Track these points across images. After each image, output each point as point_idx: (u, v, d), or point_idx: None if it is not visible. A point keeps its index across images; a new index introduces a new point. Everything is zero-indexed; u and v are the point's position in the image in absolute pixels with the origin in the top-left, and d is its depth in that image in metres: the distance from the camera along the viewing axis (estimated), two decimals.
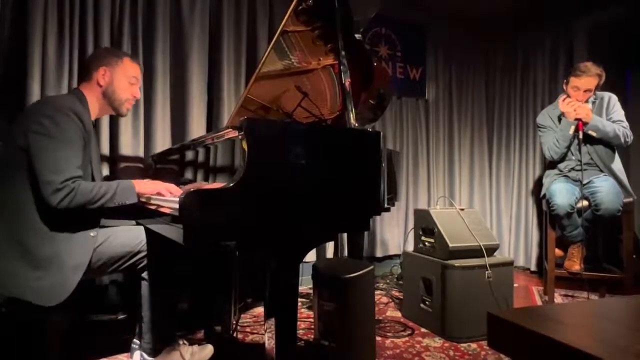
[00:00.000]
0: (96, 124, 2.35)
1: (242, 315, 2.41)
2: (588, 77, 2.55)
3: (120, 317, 2.34)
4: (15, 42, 2.18)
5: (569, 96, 2.64)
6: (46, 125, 1.42)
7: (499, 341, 0.58)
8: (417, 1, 3.80)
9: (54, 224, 1.44)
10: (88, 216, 1.50)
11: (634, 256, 2.51)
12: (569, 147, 2.68)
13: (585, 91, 2.59)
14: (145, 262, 1.65)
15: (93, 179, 1.61)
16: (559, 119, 2.72)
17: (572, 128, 2.58)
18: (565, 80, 2.70)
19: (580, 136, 2.54)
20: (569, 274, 2.60)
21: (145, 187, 1.58)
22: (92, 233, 1.52)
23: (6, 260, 1.38)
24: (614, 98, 2.69)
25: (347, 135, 1.43)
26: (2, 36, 2.16)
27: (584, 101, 2.60)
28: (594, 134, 2.56)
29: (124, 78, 1.68)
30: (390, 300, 2.84)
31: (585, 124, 2.54)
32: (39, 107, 1.50)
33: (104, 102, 1.68)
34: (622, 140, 2.56)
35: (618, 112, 2.65)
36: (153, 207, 1.53)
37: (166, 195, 1.56)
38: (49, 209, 1.40)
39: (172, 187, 1.61)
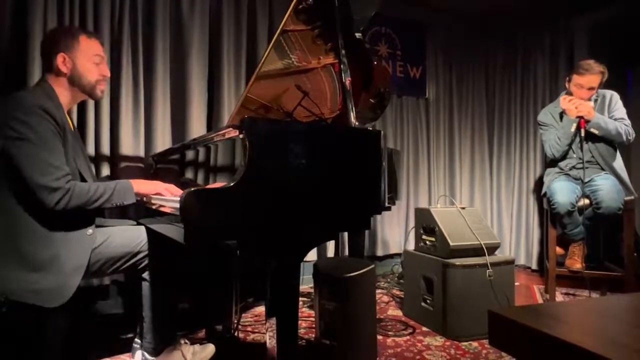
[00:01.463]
0: (96, 123, 2.35)
1: (243, 315, 2.41)
2: (591, 75, 2.54)
3: (121, 316, 2.34)
4: (15, 42, 2.18)
5: (571, 94, 2.64)
6: (19, 130, 1.35)
7: (500, 339, 0.58)
8: (417, 0, 3.80)
9: (49, 226, 1.41)
10: (82, 214, 1.48)
11: (635, 254, 2.51)
12: (570, 145, 2.67)
13: (588, 89, 2.57)
14: (145, 262, 1.64)
15: (81, 176, 1.55)
16: (561, 117, 2.71)
17: (574, 126, 2.57)
18: (567, 78, 2.69)
19: (582, 134, 2.53)
20: (570, 273, 2.59)
21: (146, 187, 1.57)
22: (89, 231, 1.50)
23: (5, 266, 1.37)
24: (616, 96, 2.68)
25: (347, 134, 1.43)
26: (2, 36, 2.16)
27: (587, 99, 2.59)
28: (596, 131, 2.55)
29: (87, 60, 1.55)
30: (391, 299, 2.84)
31: (587, 121, 2.53)
32: (7, 109, 1.39)
33: (74, 89, 1.56)
34: (624, 138, 2.56)
35: (620, 110, 2.64)
36: (154, 207, 1.53)
37: (166, 195, 1.56)
38: (44, 212, 1.38)
39: (171, 187, 1.61)
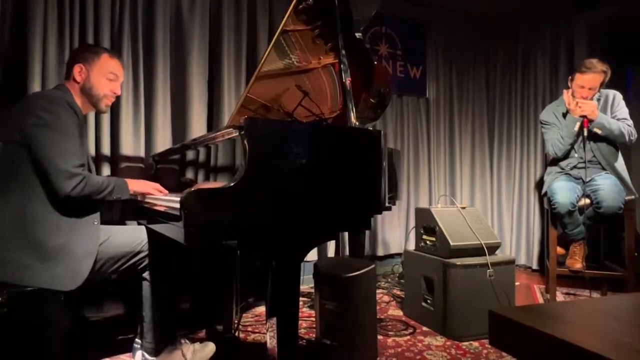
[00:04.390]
0: (97, 124, 2.35)
1: (244, 315, 2.41)
2: (593, 73, 2.52)
3: (122, 317, 2.34)
4: (15, 43, 2.18)
5: (573, 92, 2.62)
6: (43, 117, 1.43)
7: (501, 339, 0.58)
8: (418, 0, 3.80)
9: (58, 215, 1.47)
10: (87, 205, 1.54)
11: (636, 254, 2.50)
12: (573, 145, 2.66)
13: (590, 88, 2.55)
14: (146, 262, 1.66)
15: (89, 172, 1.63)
16: (564, 116, 2.70)
17: (577, 125, 2.56)
18: (570, 77, 2.67)
19: (585, 133, 2.51)
20: (570, 272, 2.59)
21: (138, 186, 1.66)
22: (94, 221, 1.56)
23: (18, 253, 1.40)
24: (619, 96, 2.67)
25: (347, 134, 1.43)
26: (2, 36, 2.16)
27: (589, 98, 2.58)
28: (599, 131, 2.54)
29: (101, 74, 1.66)
30: (392, 299, 2.84)
31: (590, 121, 2.52)
32: (31, 102, 1.50)
33: (84, 98, 1.66)
34: (627, 138, 2.55)
35: (622, 110, 2.63)
36: (146, 206, 1.60)
37: (156, 194, 1.66)
38: (54, 201, 1.43)
39: (158, 186, 1.72)
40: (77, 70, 1.63)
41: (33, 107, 1.46)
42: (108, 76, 1.68)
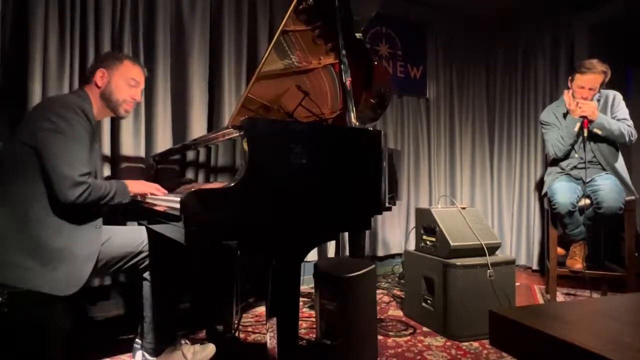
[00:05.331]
0: (98, 124, 2.35)
1: (244, 315, 2.41)
2: (593, 74, 2.52)
3: (122, 317, 2.34)
4: (16, 43, 2.18)
5: (573, 93, 2.62)
6: (56, 122, 1.44)
7: (501, 340, 0.58)
8: (418, 0, 3.80)
9: (61, 218, 1.47)
10: (90, 209, 1.53)
11: (636, 254, 2.50)
12: (573, 145, 2.66)
13: (590, 89, 2.55)
14: (146, 262, 1.66)
15: (96, 178, 1.63)
16: (564, 116, 2.70)
17: (577, 125, 2.56)
18: (570, 77, 2.67)
19: (586, 134, 2.51)
20: (570, 273, 2.59)
21: (138, 187, 1.66)
22: (97, 225, 1.56)
23: (19, 254, 1.40)
24: (619, 96, 2.67)
25: (348, 134, 1.43)
26: (3, 37, 2.16)
27: (590, 99, 2.58)
28: (599, 132, 2.54)
29: (122, 79, 1.68)
30: (392, 299, 2.84)
31: (590, 121, 2.52)
32: (46, 106, 1.52)
33: (103, 103, 1.68)
34: (627, 139, 2.55)
35: (623, 110, 2.63)
36: (146, 206, 1.59)
37: (157, 194, 1.65)
38: (58, 203, 1.43)
39: (157, 186, 1.72)
40: (100, 75, 1.65)
41: (47, 111, 1.47)
42: (129, 82, 1.70)
